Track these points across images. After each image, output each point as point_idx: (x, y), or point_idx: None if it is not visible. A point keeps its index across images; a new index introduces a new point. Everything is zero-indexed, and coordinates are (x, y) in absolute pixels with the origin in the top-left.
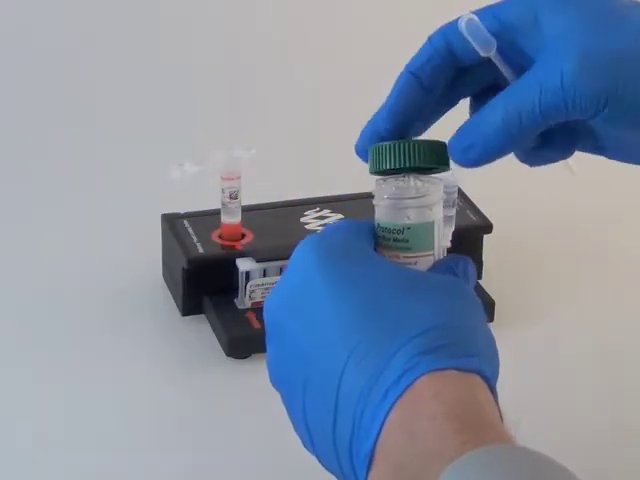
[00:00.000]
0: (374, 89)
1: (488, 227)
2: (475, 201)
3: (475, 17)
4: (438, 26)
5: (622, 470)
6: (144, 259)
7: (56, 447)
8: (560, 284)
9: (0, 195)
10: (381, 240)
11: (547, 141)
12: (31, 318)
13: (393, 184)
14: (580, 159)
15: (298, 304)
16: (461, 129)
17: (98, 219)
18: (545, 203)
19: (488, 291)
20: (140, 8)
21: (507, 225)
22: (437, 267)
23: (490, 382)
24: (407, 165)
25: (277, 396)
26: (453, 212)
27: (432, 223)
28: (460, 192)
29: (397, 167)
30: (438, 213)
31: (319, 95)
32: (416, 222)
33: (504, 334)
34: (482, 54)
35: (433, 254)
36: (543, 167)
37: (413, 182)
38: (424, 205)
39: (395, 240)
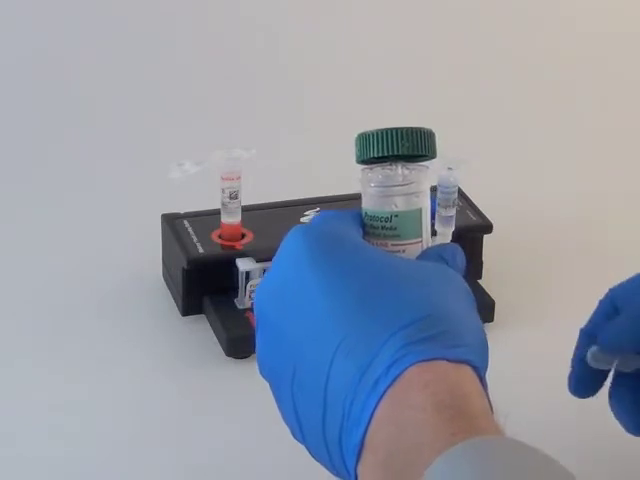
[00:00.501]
0: (374, 89)
1: (488, 227)
2: (475, 201)
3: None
4: (438, 27)
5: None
6: (144, 259)
7: (56, 447)
8: (560, 284)
9: (0, 195)
10: (369, 228)
11: None
12: (31, 318)
13: (380, 172)
14: (585, 160)
15: (287, 295)
16: None
17: (98, 219)
18: (545, 203)
19: (488, 291)
20: (140, 7)
21: (507, 225)
22: (426, 254)
23: (480, 372)
24: (394, 153)
25: None
26: (453, 212)
27: (420, 210)
28: (460, 192)
29: (384, 155)
30: (426, 200)
31: (319, 95)
32: (404, 209)
33: (504, 334)
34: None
35: (421, 241)
36: (543, 167)
37: (400, 170)
38: (411, 192)
39: (383, 228)
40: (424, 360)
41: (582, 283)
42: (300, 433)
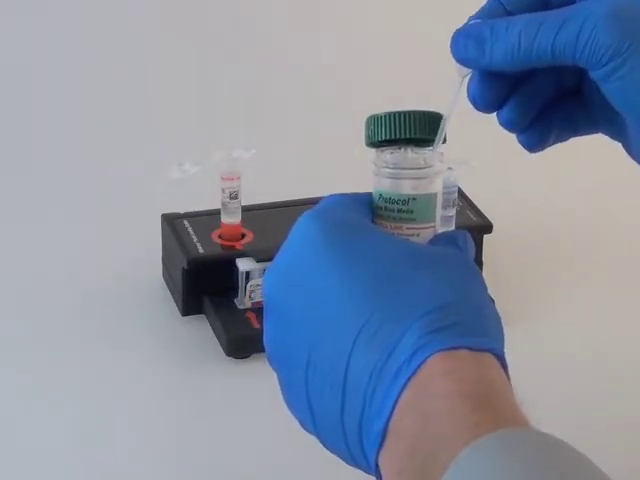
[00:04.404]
0: (374, 89)
1: (488, 227)
2: (475, 201)
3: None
4: (437, 27)
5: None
6: (144, 259)
7: (56, 447)
8: (560, 284)
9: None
10: (382, 211)
11: (545, 119)
12: (31, 318)
13: (397, 154)
14: (585, 160)
15: (300, 280)
16: (477, 23)
17: (98, 219)
18: (545, 203)
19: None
20: (142, 8)
21: (507, 225)
22: (439, 239)
23: (503, 361)
24: (406, 135)
25: (277, 396)
26: (453, 212)
27: (435, 194)
28: (460, 192)
29: (395, 137)
30: (440, 185)
31: (319, 95)
32: (422, 193)
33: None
34: None
35: (434, 226)
36: (544, 168)
37: (410, 153)
38: (429, 176)
39: (399, 211)
40: (447, 349)
41: (582, 283)
42: (312, 423)
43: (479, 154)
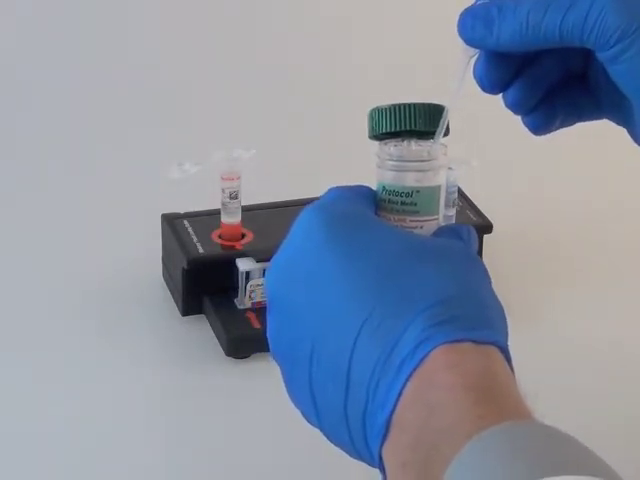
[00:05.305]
0: (374, 89)
1: (488, 227)
2: (475, 201)
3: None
4: (433, 29)
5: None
6: (144, 259)
7: (56, 447)
8: (560, 284)
9: (0, 195)
10: (386, 204)
11: (551, 102)
12: (31, 318)
13: (400, 147)
14: (585, 161)
15: (302, 275)
16: (485, 3)
17: (98, 219)
18: (545, 203)
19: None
20: (142, 7)
21: (507, 225)
22: (442, 232)
23: (507, 354)
24: (409, 128)
25: (277, 396)
26: (453, 212)
27: (439, 187)
28: (460, 192)
29: (398, 130)
30: (444, 178)
31: (319, 95)
32: (425, 185)
33: None
34: None
35: (438, 219)
36: (543, 167)
37: (414, 145)
38: (432, 168)
39: (403, 203)
40: (450, 342)
41: (582, 283)
42: (315, 416)
43: (479, 154)
